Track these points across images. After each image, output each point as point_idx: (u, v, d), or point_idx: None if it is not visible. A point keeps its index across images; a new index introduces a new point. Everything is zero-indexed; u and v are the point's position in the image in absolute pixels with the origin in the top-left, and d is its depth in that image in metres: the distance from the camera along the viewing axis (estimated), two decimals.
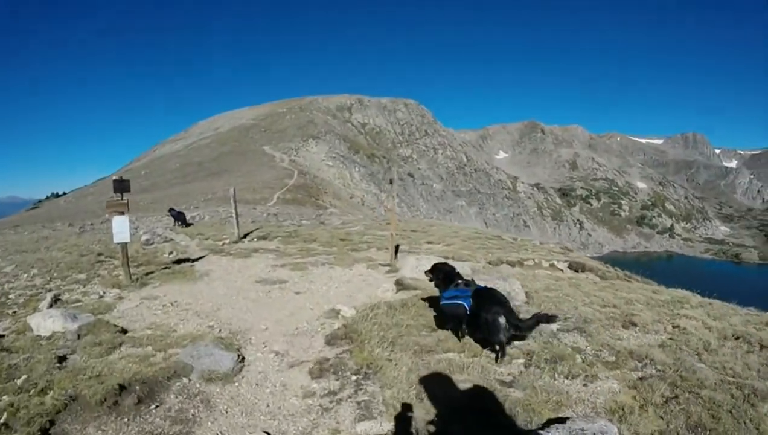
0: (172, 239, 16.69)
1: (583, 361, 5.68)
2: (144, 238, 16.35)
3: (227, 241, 15.86)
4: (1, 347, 6.58)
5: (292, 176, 60.53)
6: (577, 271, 13.75)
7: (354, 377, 5.70)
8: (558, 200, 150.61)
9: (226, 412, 5.11)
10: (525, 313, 7.09)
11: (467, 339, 6.36)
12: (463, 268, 8.97)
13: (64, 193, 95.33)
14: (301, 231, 17.95)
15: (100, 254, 14.39)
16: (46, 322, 7.24)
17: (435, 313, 7.34)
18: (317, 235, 17.04)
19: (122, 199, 10.53)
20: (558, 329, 6.73)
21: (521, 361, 5.78)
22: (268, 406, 5.27)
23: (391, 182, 13.62)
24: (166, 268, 12.13)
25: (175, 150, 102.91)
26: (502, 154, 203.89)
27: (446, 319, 6.70)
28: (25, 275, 12.18)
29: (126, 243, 10.58)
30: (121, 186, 10.65)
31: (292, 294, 9.92)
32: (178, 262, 12.90)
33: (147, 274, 11.44)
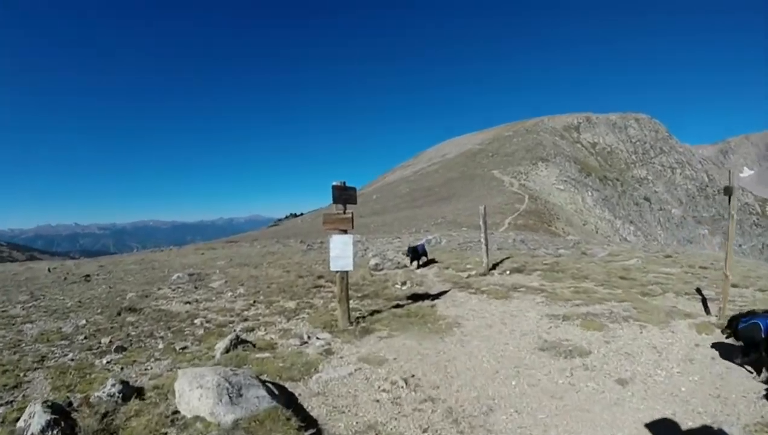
0: (405, 265, 13.41)
1: None
2: (373, 262, 13.40)
3: (473, 273, 11.97)
4: (109, 424, 3.84)
5: (522, 201, 56.22)
6: None
7: None
8: None
9: None
10: None
11: None
12: None
13: (301, 214, 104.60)
14: (564, 263, 13.27)
15: (320, 277, 11.76)
16: (192, 394, 4.08)
17: None
18: (587, 271, 12.21)
19: (345, 212, 7.41)
20: None
21: None
22: None
23: (728, 194, 8.35)
24: (397, 305, 8.60)
25: (404, 176, 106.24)
26: (746, 172, 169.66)
27: (742, 349, 5.37)
28: (230, 294, 10.10)
29: (347, 272, 7.32)
30: (345, 195, 7.51)
31: (611, 383, 5.44)
32: (414, 297, 9.31)
33: (372, 313, 8.01)
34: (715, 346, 6.38)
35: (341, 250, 7.05)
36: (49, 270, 18.25)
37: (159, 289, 11.54)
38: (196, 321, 7.80)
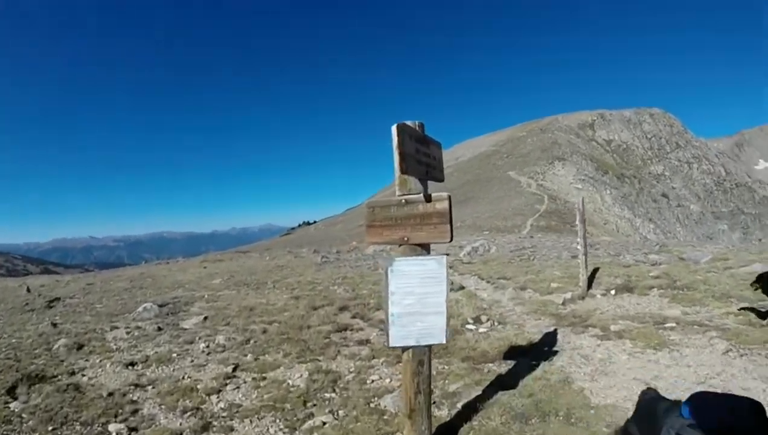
0: (461, 286, 9.55)
1: None
2: None
3: (568, 296, 8.08)
4: None
5: (541, 202, 53.06)
6: None
7: None
8: None
9: None
10: None
11: None
12: None
13: (315, 222, 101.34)
14: (677, 275, 9.41)
15: (342, 310, 7.99)
16: None
17: None
18: (719, 285, 8.48)
19: (429, 199, 3.05)
20: None
21: None
22: None
23: None
24: (499, 380, 4.59)
25: None
26: (762, 164, 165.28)
27: None
28: (203, 345, 6.38)
29: (429, 349, 3.18)
30: (424, 156, 3.22)
31: None
32: (513, 353, 5.37)
33: (464, 411, 4.00)
34: None
35: (419, 298, 3.01)
36: (28, 290, 14.73)
37: (113, 328, 7.75)
38: (112, 427, 3.98)
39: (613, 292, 8.38)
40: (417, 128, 3.12)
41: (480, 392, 4.23)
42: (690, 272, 9.90)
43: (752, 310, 6.37)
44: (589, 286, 8.67)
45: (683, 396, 3.61)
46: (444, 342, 3.07)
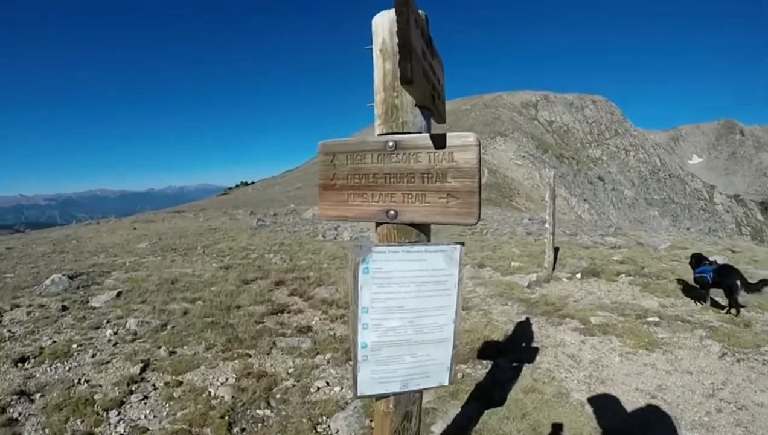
0: None
1: None
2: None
3: (534, 278, 7.34)
4: None
5: (482, 174, 53.11)
6: None
7: None
8: (759, 217, 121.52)
9: None
10: None
11: None
12: None
13: (252, 183, 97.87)
14: (643, 261, 8.95)
15: (278, 284, 6.92)
16: None
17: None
18: (686, 276, 7.95)
19: (431, 133, 1.61)
20: None
21: None
22: None
23: None
24: (480, 391, 3.71)
25: None
26: (695, 159, 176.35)
27: (697, 286, 6.53)
28: (110, 332, 5.12)
29: (418, 396, 1.87)
30: (429, 66, 1.55)
31: None
32: (487, 350, 4.50)
33: None
34: None
35: (411, 318, 1.66)
36: None
37: (14, 306, 6.17)
38: None
39: (579, 275, 7.73)
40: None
41: (459, 410, 3.31)
42: (654, 259, 9.48)
43: (682, 282, 7.35)
44: (553, 267, 7.99)
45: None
46: (446, 384, 1.82)
